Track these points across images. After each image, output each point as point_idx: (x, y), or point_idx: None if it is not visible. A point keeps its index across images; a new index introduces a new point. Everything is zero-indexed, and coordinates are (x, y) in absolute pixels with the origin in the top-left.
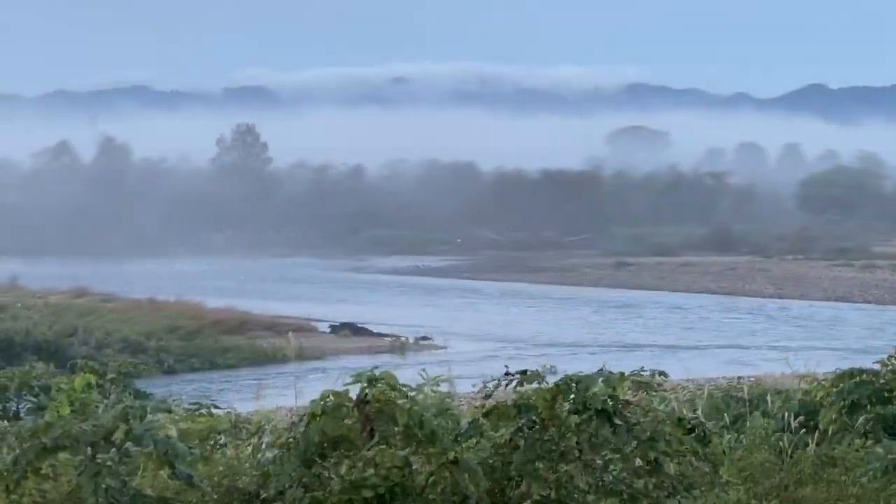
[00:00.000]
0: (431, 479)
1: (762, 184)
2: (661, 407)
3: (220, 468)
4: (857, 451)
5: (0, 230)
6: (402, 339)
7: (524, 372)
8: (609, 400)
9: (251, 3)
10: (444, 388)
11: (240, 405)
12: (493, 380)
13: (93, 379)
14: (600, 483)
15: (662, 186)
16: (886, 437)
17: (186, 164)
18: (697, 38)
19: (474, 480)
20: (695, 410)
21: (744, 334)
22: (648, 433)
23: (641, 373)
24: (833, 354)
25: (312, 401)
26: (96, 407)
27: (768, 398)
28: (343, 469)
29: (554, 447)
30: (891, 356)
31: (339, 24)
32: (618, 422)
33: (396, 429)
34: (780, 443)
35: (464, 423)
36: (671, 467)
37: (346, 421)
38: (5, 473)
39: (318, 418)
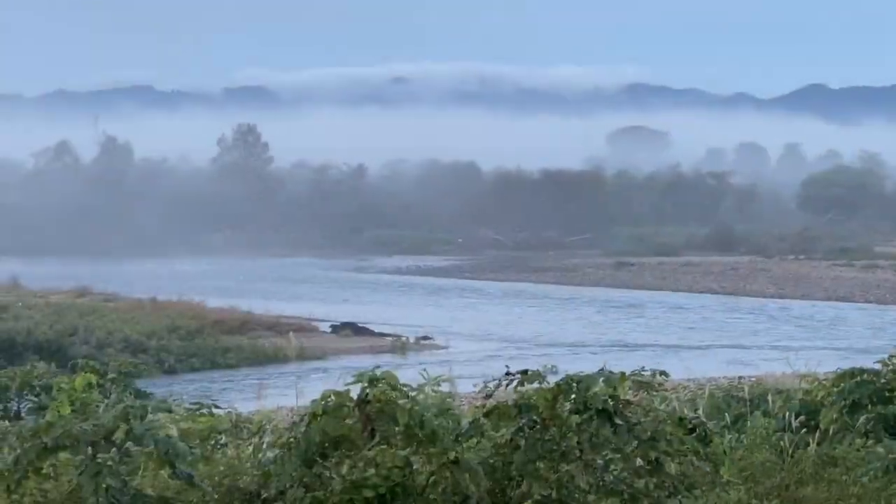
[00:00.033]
0: (432, 478)
1: (763, 184)
2: (662, 407)
3: (221, 468)
4: (858, 450)
5: (1, 230)
6: (404, 338)
7: (525, 372)
8: (610, 400)
9: (252, 3)
10: (444, 387)
11: (241, 405)
12: (494, 380)
13: (94, 379)
14: (601, 483)
15: (664, 186)
16: (887, 437)
17: (187, 163)
18: (698, 37)
19: (475, 480)
20: (696, 410)
21: (746, 334)
22: (649, 433)
23: (642, 373)
24: (834, 354)
25: (313, 400)
26: (97, 407)
27: (769, 398)
28: (344, 469)
29: (555, 447)
30: (891, 356)
31: (340, 24)
32: (619, 422)
33: (397, 429)
34: (781, 442)
35: (465, 422)
36: (672, 467)
37: (347, 421)
38: (6, 473)
39: (319, 418)
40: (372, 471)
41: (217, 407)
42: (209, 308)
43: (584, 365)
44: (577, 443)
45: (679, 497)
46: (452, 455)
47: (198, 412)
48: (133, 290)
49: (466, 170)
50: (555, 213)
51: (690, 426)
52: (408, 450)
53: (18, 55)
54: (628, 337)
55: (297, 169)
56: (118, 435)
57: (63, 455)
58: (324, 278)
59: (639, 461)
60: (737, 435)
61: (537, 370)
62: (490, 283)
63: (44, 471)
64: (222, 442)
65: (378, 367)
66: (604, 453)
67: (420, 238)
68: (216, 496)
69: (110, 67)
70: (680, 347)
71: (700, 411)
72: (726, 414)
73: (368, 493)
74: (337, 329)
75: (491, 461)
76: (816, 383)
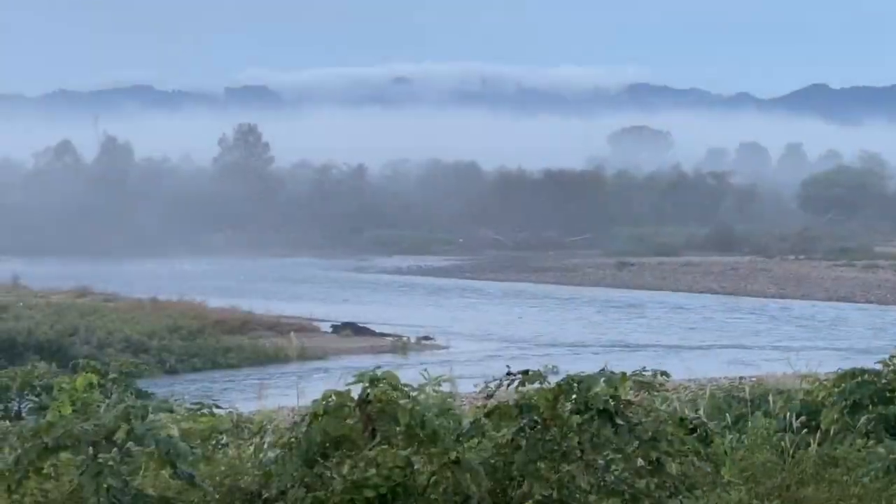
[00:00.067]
0: (433, 479)
1: (764, 184)
2: (663, 407)
3: (222, 468)
4: (859, 451)
5: (2, 230)
6: (404, 338)
7: (526, 372)
8: (611, 400)
9: (253, 4)
10: (445, 388)
11: (242, 405)
12: (495, 380)
13: (94, 379)
14: (602, 483)
15: (664, 186)
16: (888, 437)
17: (188, 163)
18: (699, 38)
19: (476, 480)
20: (697, 410)
21: (747, 334)
22: (650, 433)
23: (643, 373)
24: (835, 354)
25: (314, 400)
26: (98, 407)
27: (770, 398)
28: (345, 469)
29: (556, 447)
30: (892, 356)
31: (341, 24)
32: (619, 422)
33: (398, 429)
34: (782, 443)
35: (465, 423)
36: (673, 467)
37: (348, 421)
38: (7, 473)
39: (319, 418)
40: (373, 471)
41: (218, 407)
42: (210, 308)
43: (585, 365)
44: (578, 443)
45: (680, 497)
46: (453, 455)
47: (199, 412)
48: (134, 290)
49: (467, 170)
50: (555, 213)
51: (691, 426)
52: (409, 450)
53: (19, 55)
54: (629, 337)
55: (298, 169)
56: (119, 435)
57: (64, 455)
58: (324, 278)
59: (640, 461)
60: (738, 435)
61: (538, 370)
62: (490, 283)
63: (45, 471)
64: (223, 442)
65: (379, 367)
66: (605, 453)
67: (421, 238)
68: (217, 496)
69: (111, 67)
70: (681, 348)
71: (701, 412)
72: (727, 414)
73: (369, 493)
74: (337, 329)
75: (492, 461)
76: (817, 384)
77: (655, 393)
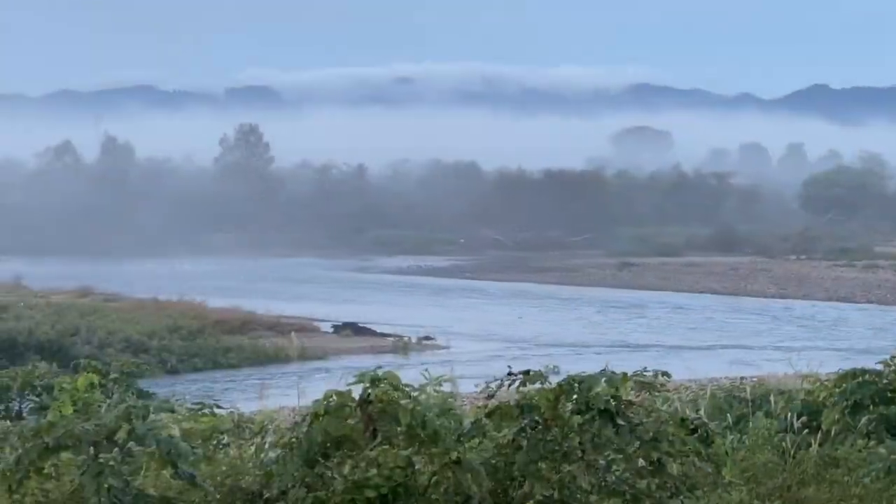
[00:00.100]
0: (434, 479)
1: (765, 184)
2: (664, 407)
3: (223, 468)
4: (860, 451)
5: (3, 230)
6: (405, 339)
7: (527, 372)
8: (612, 400)
9: (254, 4)
10: (446, 388)
11: (243, 405)
12: (496, 380)
13: (95, 378)
14: (603, 483)
15: (666, 187)
16: (889, 438)
17: (190, 163)
18: (701, 38)
19: (477, 481)
20: (697, 411)
21: (749, 334)
22: (651, 433)
23: (644, 373)
24: (836, 355)
25: (315, 401)
26: (99, 406)
27: (771, 398)
28: (346, 469)
29: (557, 447)
30: (893, 356)
31: (342, 24)
32: (620, 422)
33: (399, 429)
34: (783, 443)
35: (466, 423)
36: (674, 468)
37: (349, 421)
38: (8, 473)
39: (320, 418)
40: (374, 471)
41: (219, 407)
42: (211, 308)
43: (587, 365)
44: (579, 443)
45: (681, 497)
46: (454, 455)
47: (200, 412)
48: (135, 290)
49: (469, 170)
50: (557, 214)
51: (692, 427)
52: (410, 450)
53: (21, 55)
54: (631, 337)
55: (300, 169)
56: (120, 435)
57: (65, 455)
58: (326, 278)
59: (641, 462)
60: (739, 436)
61: (539, 370)
62: (492, 283)
63: (45, 471)
64: (224, 442)
65: (380, 367)
66: (606, 454)
67: (422, 238)
68: (218, 496)
69: (113, 67)
70: (682, 348)
71: (702, 412)
72: (728, 414)
73: (370, 494)
74: (338, 329)
75: (493, 461)
76: (818, 384)
77: (656, 393)
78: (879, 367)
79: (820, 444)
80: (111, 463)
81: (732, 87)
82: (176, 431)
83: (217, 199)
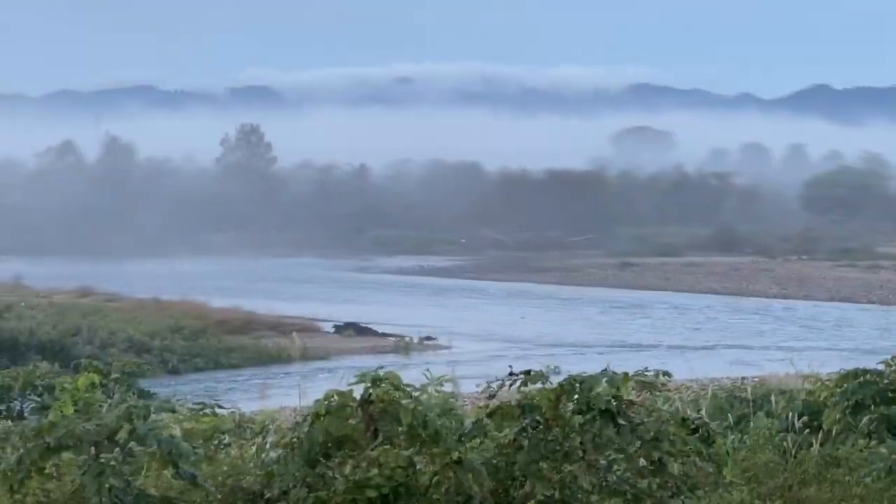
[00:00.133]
0: (435, 479)
1: (766, 184)
2: (665, 407)
3: (224, 468)
4: (861, 451)
5: (4, 230)
6: (407, 339)
7: (528, 372)
8: (613, 400)
9: (255, 3)
10: (448, 388)
11: (244, 405)
12: (497, 380)
13: (97, 378)
14: (604, 483)
15: (667, 187)
16: (890, 438)
17: (191, 163)
18: (701, 38)
19: (478, 480)
20: (699, 411)
21: (751, 335)
22: (652, 433)
23: (645, 373)
24: (838, 355)
25: (316, 401)
26: (100, 406)
27: (772, 398)
28: (347, 469)
29: (558, 447)
30: (895, 356)
31: (342, 24)
32: (621, 422)
33: (400, 429)
34: (784, 443)
35: (468, 423)
36: (675, 467)
37: (350, 421)
38: (9, 473)
39: (322, 418)
40: (375, 471)
41: (220, 407)
42: (212, 308)
43: (589, 366)
44: (581, 443)
45: (682, 497)
46: (456, 455)
47: (201, 412)
48: (136, 291)
49: (470, 170)
50: (558, 214)
51: (693, 427)
52: (411, 450)
53: (21, 55)
54: (633, 337)
55: (301, 169)
56: (121, 435)
57: (66, 455)
58: (327, 278)
59: (642, 461)
60: (740, 435)
61: (540, 370)
62: (493, 283)
63: (47, 471)
64: (226, 442)
65: (381, 367)
66: (607, 453)
67: (423, 238)
68: (219, 496)
69: (113, 67)
70: (685, 348)
71: (703, 412)
72: (729, 414)
73: (371, 494)
74: (340, 329)
75: (494, 461)
76: (819, 384)
77: (657, 393)
78: (881, 367)
79: (821, 444)
80: (112, 463)
81: (733, 87)
82: (177, 431)
83: (218, 200)
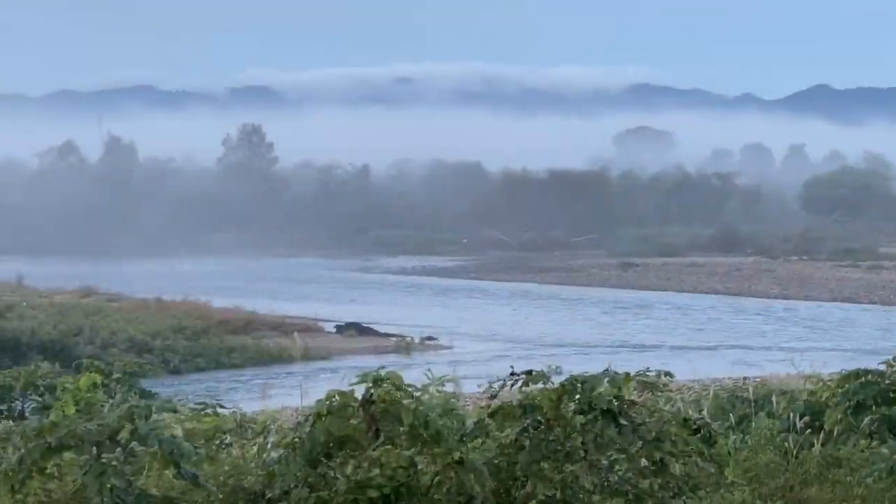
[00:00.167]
0: (437, 479)
1: (768, 185)
2: (667, 407)
3: (226, 468)
4: (863, 451)
5: (6, 230)
6: (408, 339)
7: (529, 372)
8: (614, 400)
9: (255, 3)
10: (449, 388)
11: (245, 405)
12: (499, 380)
13: (98, 378)
14: (605, 483)
15: (669, 187)
16: (892, 438)
17: (192, 163)
18: (702, 38)
19: (479, 481)
20: (700, 411)
21: (753, 335)
22: (654, 433)
23: (647, 373)
24: (840, 355)
25: (318, 401)
26: (102, 406)
27: (773, 399)
28: (348, 469)
29: (559, 447)
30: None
31: (343, 24)
32: (623, 422)
33: (402, 429)
34: (786, 443)
35: (469, 423)
36: (676, 468)
37: (352, 421)
38: (10, 473)
39: (323, 418)
40: (376, 471)
41: (222, 407)
42: (214, 308)
43: (592, 366)
44: (582, 443)
45: (683, 498)
46: (457, 455)
47: (202, 412)
48: (137, 290)
49: (472, 170)
50: (560, 214)
51: (695, 427)
52: (412, 450)
53: (21, 55)
54: (635, 338)
55: (302, 169)
56: (123, 435)
57: (67, 455)
58: (329, 278)
59: (643, 462)
60: (741, 436)
61: (542, 371)
62: (495, 283)
63: (48, 471)
64: (227, 442)
65: (383, 367)
66: (608, 454)
67: (425, 238)
68: (221, 496)
69: (114, 67)
70: (688, 348)
71: (705, 412)
72: (731, 415)
73: (373, 494)
74: (342, 329)
75: (495, 461)
76: (821, 384)
77: (659, 393)
78: (882, 367)
79: (822, 445)
80: (114, 463)
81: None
82: (179, 431)
83: (220, 200)
